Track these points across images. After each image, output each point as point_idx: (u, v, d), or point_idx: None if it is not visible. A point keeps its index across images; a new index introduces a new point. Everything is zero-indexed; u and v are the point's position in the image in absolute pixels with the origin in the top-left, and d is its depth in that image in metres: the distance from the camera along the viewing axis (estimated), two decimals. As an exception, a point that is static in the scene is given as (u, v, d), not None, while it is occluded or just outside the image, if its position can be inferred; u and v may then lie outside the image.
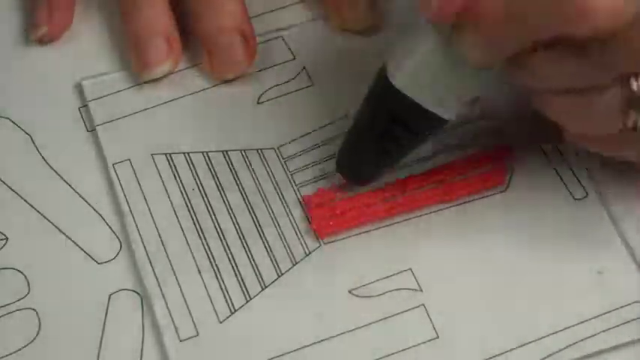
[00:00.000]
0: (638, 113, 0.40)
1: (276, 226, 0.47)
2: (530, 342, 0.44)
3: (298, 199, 0.48)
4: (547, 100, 0.42)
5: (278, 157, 0.49)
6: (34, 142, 0.50)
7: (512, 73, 0.41)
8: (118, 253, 0.47)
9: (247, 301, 0.45)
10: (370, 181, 0.48)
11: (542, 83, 0.41)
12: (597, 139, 0.43)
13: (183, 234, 0.47)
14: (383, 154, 0.46)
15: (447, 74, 0.42)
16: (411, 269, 0.46)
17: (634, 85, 0.39)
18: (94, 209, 0.48)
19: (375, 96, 0.45)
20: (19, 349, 0.44)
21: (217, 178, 0.49)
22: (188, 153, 0.49)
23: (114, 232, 0.47)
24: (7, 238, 0.47)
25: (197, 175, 0.49)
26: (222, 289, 0.46)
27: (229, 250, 0.47)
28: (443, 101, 0.43)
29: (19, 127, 0.51)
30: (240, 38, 0.51)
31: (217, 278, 0.46)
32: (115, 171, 0.49)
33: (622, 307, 0.45)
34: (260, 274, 0.46)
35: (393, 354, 0.44)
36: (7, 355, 0.44)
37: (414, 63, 0.42)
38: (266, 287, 0.46)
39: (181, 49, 0.52)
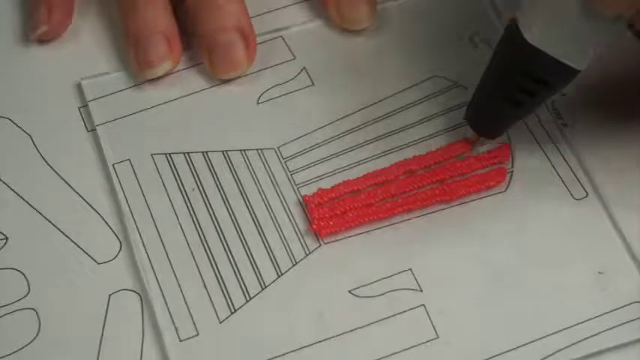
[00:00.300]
0: None
1: (276, 226, 0.47)
2: (530, 342, 0.44)
3: (298, 199, 0.48)
4: None
5: (278, 157, 0.49)
6: (34, 142, 0.50)
7: None
8: (118, 253, 0.47)
9: (247, 301, 0.45)
10: (501, 134, 0.48)
11: None
12: None
13: (183, 234, 0.47)
14: (515, 107, 0.46)
15: (580, 26, 0.43)
16: (410, 269, 0.46)
17: None
18: (94, 209, 0.48)
19: (508, 51, 0.45)
20: (19, 349, 0.44)
21: (217, 178, 0.49)
22: (188, 153, 0.49)
23: (114, 232, 0.47)
24: (7, 238, 0.47)
25: (197, 175, 0.49)
26: (222, 289, 0.46)
27: (229, 250, 0.47)
28: (576, 52, 0.44)
29: (19, 127, 0.51)
30: (240, 38, 0.51)
31: (217, 278, 0.46)
32: (115, 171, 0.49)
33: (622, 307, 0.45)
34: (260, 274, 0.46)
35: (393, 354, 0.44)
36: (7, 355, 0.44)
37: (547, 16, 0.43)
38: (266, 287, 0.46)
39: (181, 49, 0.52)
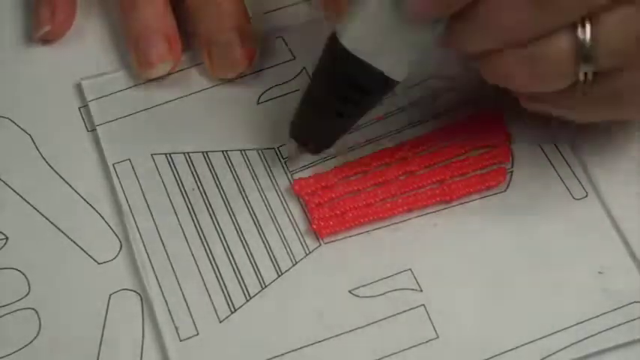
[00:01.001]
0: (587, 64, 0.40)
1: (276, 226, 0.47)
2: (530, 342, 0.44)
3: (298, 199, 0.48)
4: (495, 60, 0.41)
5: (278, 157, 0.49)
6: (34, 142, 0.50)
7: (459, 29, 0.41)
8: (118, 253, 0.47)
9: (247, 301, 0.45)
10: (326, 147, 0.48)
11: (491, 35, 0.40)
12: (549, 100, 0.43)
13: (183, 234, 0.47)
14: (337, 118, 0.46)
15: (395, 33, 0.42)
16: (410, 269, 0.46)
17: (580, 33, 0.39)
18: (94, 209, 0.48)
19: (327, 58, 0.45)
20: (19, 349, 0.44)
21: (217, 178, 0.49)
22: (188, 153, 0.49)
23: (114, 232, 0.47)
24: (7, 238, 0.47)
25: (197, 175, 0.49)
26: (222, 289, 0.46)
27: (229, 250, 0.47)
28: (393, 61, 0.43)
29: (19, 127, 0.51)
30: (239, 38, 0.51)
31: (217, 278, 0.46)
32: (115, 171, 0.49)
33: (622, 307, 0.45)
34: (260, 274, 0.46)
35: (393, 354, 0.44)
36: (7, 355, 0.44)
37: (361, 23, 0.43)
38: (266, 287, 0.46)
39: (181, 49, 0.52)
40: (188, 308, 0.45)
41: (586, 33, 0.39)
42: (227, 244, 0.47)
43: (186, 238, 0.47)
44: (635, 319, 0.45)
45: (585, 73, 0.40)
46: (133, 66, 0.52)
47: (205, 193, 0.48)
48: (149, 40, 0.51)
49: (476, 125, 0.50)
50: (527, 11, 0.39)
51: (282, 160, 0.49)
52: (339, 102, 0.45)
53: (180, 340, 0.45)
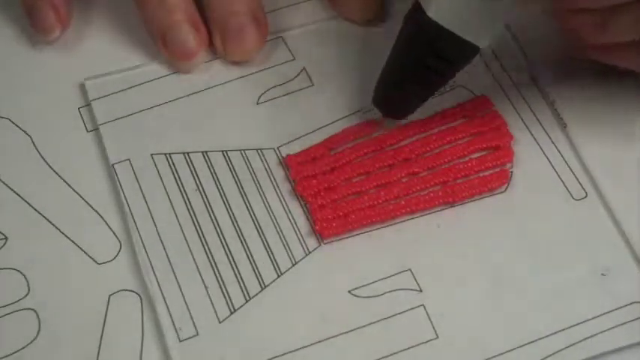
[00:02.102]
0: None
1: (276, 226, 0.47)
2: (530, 342, 0.44)
3: (299, 199, 0.48)
4: (574, 19, 0.45)
5: (278, 157, 0.49)
6: (34, 142, 0.50)
7: None
8: (118, 253, 0.47)
9: (247, 301, 0.45)
10: (407, 114, 0.49)
11: (572, 4, 0.44)
12: (616, 50, 0.47)
13: (183, 234, 0.47)
14: (420, 86, 0.47)
15: (481, 2, 0.44)
16: (410, 270, 0.46)
17: None
18: (94, 209, 0.48)
19: (411, 28, 0.46)
20: (19, 349, 0.44)
21: (217, 178, 0.49)
22: (188, 153, 0.49)
23: (114, 232, 0.47)
24: (7, 238, 0.47)
25: (197, 175, 0.49)
26: (222, 289, 0.46)
27: (229, 250, 0.47)
28: (477, 29, 0.45)
29: (19, 127, 0.51)
30: (252, 21, 0.51)
31: (217, 278, 0.46)
32: (115, 171, 0.49)
33: (623, 307, 0.45)
34: (260, 274, 0.46)
35: (393, 354, 0.44)
36: (7, 355, 0.44)
37: None
38: (266, 287, 0.46)
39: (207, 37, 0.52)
40: (188, 308, 0.45)
41: None
42: (227, 245, 0.47)
43: (186, 238, 0.47)
44: (635, 320, 0.45)
45: None
46: (166, 57, 0.51)
47: (205, 194, 0.48)
48: (181, 30, 0.51)
49: (479, 127, 0.50)
50: None
51: (282, 159, 0.49)
52: (423, 72, 0.46)
53: (180, 340, 0.44)
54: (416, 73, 0.47)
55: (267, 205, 0.48)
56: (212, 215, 0.48)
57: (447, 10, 0.44)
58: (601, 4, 0.44)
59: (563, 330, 0.45)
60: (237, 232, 0.47)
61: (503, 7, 0.44)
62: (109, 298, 0.46)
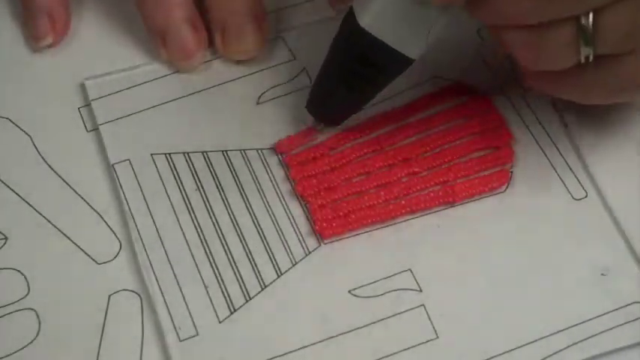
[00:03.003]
0: (588, 47, 0.42)
1: (276, 226, 0.47)
2: (530, 342, 0.44)
3: (299, 199, 0.48)
4: (505, 35, 0.43)
5: (278, 157, 0.49)
6: (34, 142, 0.50)
7: (473, 11, 0.42)
8: (118, 253, 0.47)
9: (247, 301, 0.45)
10: (340, 122, 0.49)
11: (500, 20, 0.42)
12: (553, 80, 0.44)
13: (183, 234, 0.47)
14: (353, 94, 0.47)
15: (411, 13, 0.43)
16: (410, 270, 0.46)
17: (583, 20, 0.41)
18: (94, 209, 0.48)
19: (343, 37, 0.46)
20: (19, 349, 0.44)
21: (217, 178, 0.49)
22: (188, 153, 0.49)
23: (114, 232, 0.47)
24: (6, 238, 0.47)
25: (197, 175, 0.49)
26: (222, 289, 0.46)
27: (229, 250, 0.47)
28: (409, 40, 0.44)
29: (19, 127, 0.51)
30: (253, 20, 0.51)
31: (217, 278, 0.46)
32: (115, 171, 0.49)
33: (623, 307, 0.45)
34: (260, 274, 0.46)
35: (393, 354, 0.44)
36: (7, 356, 0.44)
37: (379, 2, 0.43)
38: (266, 287, 0.46)
39: (207, 37, 0.52)
40: (188, 308, 0.45)
41: (589, 20, 0.41)
42: (227, 244, 0.47)
43: (186, 238, 0.47)
44: (635, 320, 0.45)
45: (587, 57, 0.42)
46: (165, 58, 0.51)
47: (205, 193, 0.48)
48: (180, 29, 0.51)
49: (479, 126, 0.50)
50: (532, 4, 0.41)
51: (281, 159, 0.49)
52: (354, 79, 0.46)
53: (180, 340, 0.44)
54: (347, 79, 0.46)
55: (267, 205, 0.48)
56: (212, 215, 0.48)
57: (378, 20, 0.44)
58: (526, 18, 0.41)
59: (563, 330, 0.45)
60: (237, 232, 0.47)
61: (432, 16, 0.43)
62: (109, 298, 0.46)
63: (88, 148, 0.50)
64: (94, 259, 0.47)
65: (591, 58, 0.42)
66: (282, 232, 0.47)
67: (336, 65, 0.46)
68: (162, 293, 0.46)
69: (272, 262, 0.46)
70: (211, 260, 0.46)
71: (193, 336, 0.45)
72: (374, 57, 0.45)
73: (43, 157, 0.50)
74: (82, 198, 0.48)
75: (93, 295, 0.46)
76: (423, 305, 0.45)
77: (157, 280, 0.46)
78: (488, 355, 0.44)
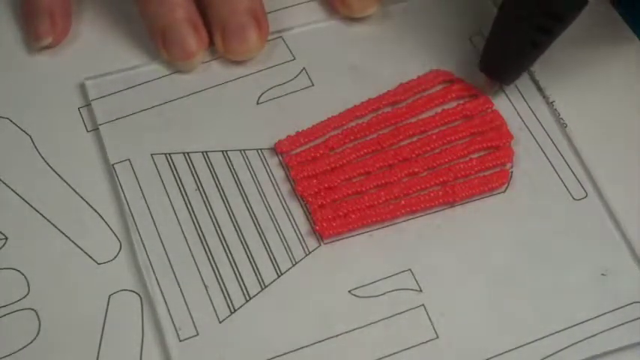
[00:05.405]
0: None
1: (276, 226, 0.47)
2: (530, 342, 0.44)
3: (299, 199, 0.48)
4: None
5: (278, 157, 0.49)
6: (33, 142, 0.50)
7: None
8: (118, 254, 0.47)
9: (247, 301, 0.45)
10: (514, 80, 0.50)
11: None
12: None
13: (183, 234, 0.47)
14: (530, 47, 0.48)
15: None
16: (410, 270, 0.46)
17: None
18: (94, 209, 0.48)
19: None
20: (19, 349, 0.44)
21: (217, 178, 0.49)
22: (188, 153, 0.49)
23: (114, 232, 0.47)
24: (6, 238, 0.47)
25: (197, 175, 0.49)
26: (222, 289, 0.46)
27: (229, 250, 0.47)
28: None
29: (19, 127, 0.51)
30: (253, 20, 0.51)
31: (217, 278, 0.46)
32: (115, 171, 0.49)
33: (623, 307, 0.45)
34: (260, 274, 0.46)
35: (393, 354, 0.44)
36: (7, 356, 0.44)
37: None
38: (266, 287, 0.46)
39: (207, 37, 0.52)
40: (188, 308, 0.45)
41: None
42: (227, 245, 0.47)
43: (186, 238, 0.47)
44: (635, 320, 0.45)
45: None
46: (165, 57, 0.51)
47: (205, 193, 0.48)
48: (181, 29, 0.51)
49: (479, 126, 0.50)
50: None
51: (281, 159, 0.49)
52: (535, 32, 0.47)
53: (180, 340, 0.44)
54: (529, 34, 0.47)
55: (267, 205, 0.48)
56: (212, 215, 0.48)
57: None
58: None
59: (563, 330, 0.45)
60: (237, 232, 0.47)
61: None
62: (109, 298, 0.46)
63: (88, 148, 0.50)
64: (94, 259, 0.47)
65: None
66: (282, 232, 0.47)
67: (519, 21, 0.47)
68: (162, 293, 0.46)
69: (272, 262, 0.46)
70: (211, 260, 0.46)
71: (193, 336, 0.45)
72: (558, 6, 0.46)
73: (43, 157, 0.50)
74: (82, 198, 0.48)
75: (93, 295, 0.46)
76: (423, 305, 0.45)
77: (157, 280, 0.46)
78: (488, 355, 0.44)
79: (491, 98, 0.50)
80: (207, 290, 0.46)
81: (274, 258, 0.47)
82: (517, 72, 0.50)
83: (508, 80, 0.50)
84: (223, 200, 0.48)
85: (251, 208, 0.48)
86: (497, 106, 0.51)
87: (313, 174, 0.49)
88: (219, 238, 0.47)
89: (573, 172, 0.49)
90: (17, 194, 0.48)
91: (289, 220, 0.48)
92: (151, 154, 0.49)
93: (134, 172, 0.49)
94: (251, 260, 0.46)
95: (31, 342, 0.45)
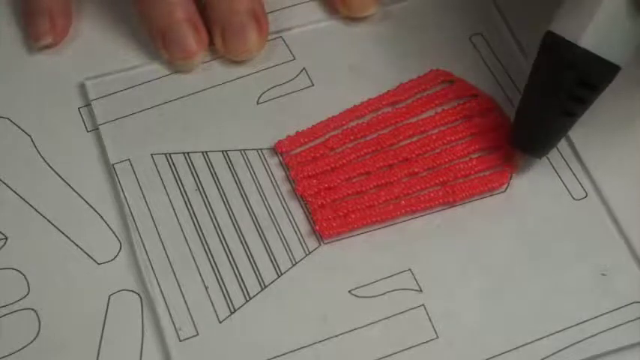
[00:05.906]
0: None
1: (276, 226, 0.47)
2: (530, 342, 0.44)
3: (299, 199, 0.48)
4: None
5: (278, 157, 0.49)
6: (33, 142, 0.50)
7: None
8: (118, 253, 0.47)
9: (247, 301, 0.45)
10: (548, 151, 0.48)
11: None
12: None
13: (183, 234, 0.47)
14: (568, 119, 0.46)
15: (629, 25, 0.44)
16: (410, 270, 0.46)
17: None
18: (94, 209, 0.48)
19: (555, 61, 0.45)
20: (19, 349, 0.44)
21: (217, 178, 0.49)
22: (188, 153, 0.49)
23: (114, 232, 0.47)
24: (6, 238, 0.47)
25: (197, 175, 0.49)
26: (222, 289, 0.46)
27: (229, 250, 0.47)
28: (622, 51, 0.45)
29: (19, 127, 0.51)
30: (253, 20, 0.51)
31: (217, 278, 0.46)
32: (115, 171, 0.49)
33: (623, 307, 0.45)
34: (260, 274, 0.46)
35: (393, 354, 0.44)
36: (7, 355, 0.44)
37: (599, 19, 0.44)
38: (266, 287, 0.46)
39: (207, 37, 0.52)
40: (188, 308, 0.45)
41: None
42: (227, 245, 0.47)
43: (186, 238, 0.47)
44: (635, 320, 0.45)
45: None
46: (166, 58, 0.51)
47: (205, 193, 0.48)
48: (181, 29, 0.51)
49: (479, 127, 0.50)
50: None
51: (281, 159, 0.49)
52: (569, 102, 0.45)
53: (180, 341, 0.44)
54: (563, 106, 0.45)
55: (267, 205, 0.48)
56: (212, 215, 0.48)
57: (596, 37, 0.44)
58: None
59: (563, 330, 0.45)
60: (237, 232, 0.47)
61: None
62: (109, 298, 0.46)
63: (88, 148, 0.50)
64: (94, 259, 0.47)
65: None
66: (282, 232, 0.47)
67: (552, 93, 0.45)
68: (162, 293, 0.46)
69: (272, 262, 0.46)
70: (211, 260, 0.46)
71: (193, 336, 0.45)
72: (592, 74, 0.45)
73: (43, 157, 0.50)
74: (82, 198, 0.48)
75: (93, 295, 0.46)
76: (423, 305, 0.45)
77: (157, 280, 0.46)
78: (488, 355, 0.44)
79: (518, 172, 0.49)
80: (207, 290, 0.46)
81: (274, 258, 0.47)
82: (552, 145, 0.48)
83: (542, 154, 0.48)
84: (223, 200, 0.48)
85: (251, 208, 0.48)
86: (498, 106, 0.51)
87: (313, 174, 0.49)
88: (219, 238, 0.47)
89: (573, 172, 0.49)
90: (17, 194, 0.48)
91: (289, 220, 0.48)
92: (151, 154, 0.49)
93: (134, 172, 0.49)
94: (251, 260, 0.46)
95: (31, 342, 0.45)
